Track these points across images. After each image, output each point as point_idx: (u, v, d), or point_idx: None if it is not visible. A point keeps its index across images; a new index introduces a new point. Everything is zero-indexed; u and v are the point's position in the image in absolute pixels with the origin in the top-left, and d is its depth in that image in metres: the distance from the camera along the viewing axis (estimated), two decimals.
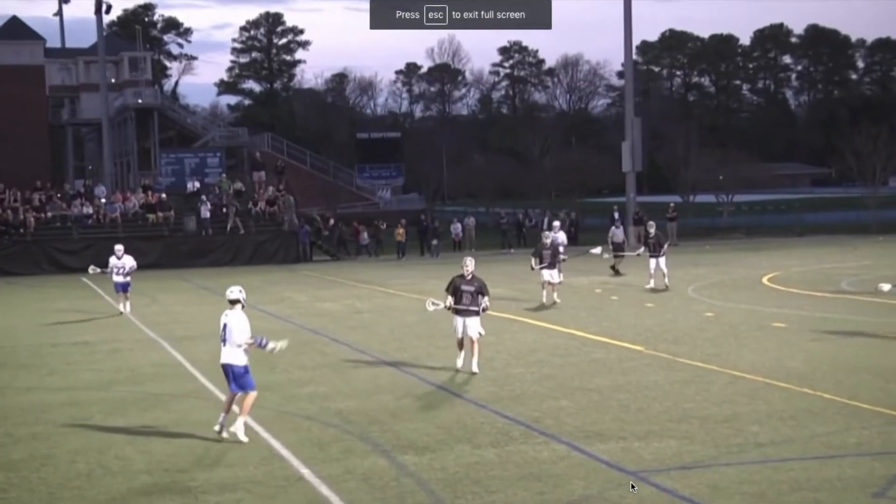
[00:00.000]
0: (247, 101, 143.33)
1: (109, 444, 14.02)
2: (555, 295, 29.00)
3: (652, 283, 32.83)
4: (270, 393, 17.20)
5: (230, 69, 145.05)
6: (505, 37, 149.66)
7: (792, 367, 18.31)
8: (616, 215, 53.47)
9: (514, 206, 74.53)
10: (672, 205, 61.81)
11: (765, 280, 33.53)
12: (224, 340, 14.18)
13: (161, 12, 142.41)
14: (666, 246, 33.46)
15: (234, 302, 14.37)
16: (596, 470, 12.13)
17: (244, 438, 13.83)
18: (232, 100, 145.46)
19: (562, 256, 30.45)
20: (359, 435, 14.09)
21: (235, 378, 14.11)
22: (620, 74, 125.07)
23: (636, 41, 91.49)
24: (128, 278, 29.99)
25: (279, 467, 12.61)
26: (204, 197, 55.34)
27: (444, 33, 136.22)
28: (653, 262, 32.76)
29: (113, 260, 30.19)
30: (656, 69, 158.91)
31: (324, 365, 20.35)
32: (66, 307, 32.93)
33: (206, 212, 53.65)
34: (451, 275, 19.70)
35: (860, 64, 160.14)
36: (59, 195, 54.91)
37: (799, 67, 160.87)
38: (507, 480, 11.78)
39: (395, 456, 12.97)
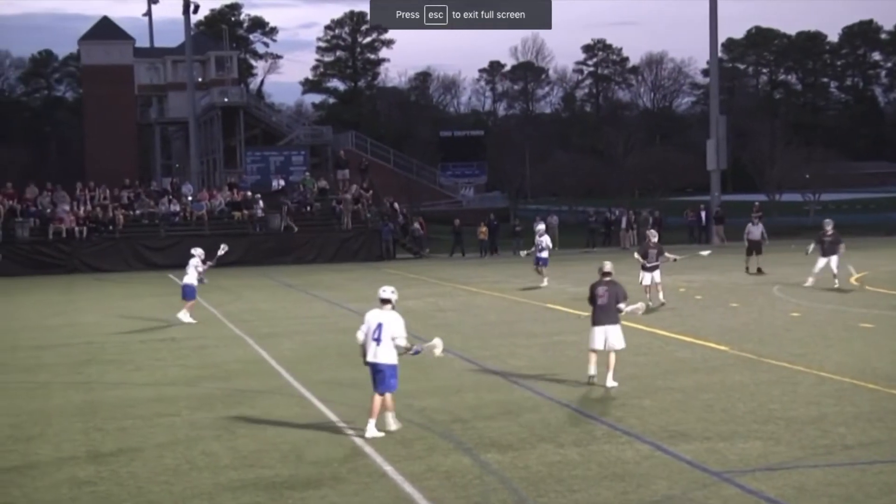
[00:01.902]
0: (331, 100, 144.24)
1: (196, 439, 14.24)
2: (660, 296, 28.27)
3: (811, 282, 31.88)
4: (354, 391, 17.32)
5: (315, 68, 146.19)
6: (589, 34, 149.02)
7: (879, 368, 18.02)
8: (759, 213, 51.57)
9: (596, 204, 74.17)
10: (757, 203, 61.03)
11: (852, 280, 32.99)
12: (377, 340, 14.07)
13: (247, 12, 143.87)
14: (842, 246, 32.21)
15: (385, 301, 14.46)
16: (680, 470, 12.06)
17: (398, 426, 14.16)
18: (316, 98, 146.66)
19: (671, 257, 29.93)
20: (441, 433, 14.14)
21: (384, 378, 14.02)
22: (705, 72, 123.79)
23: (721, 38, 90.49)
24: (193, 280, 27.71)
25: (363, 464, 12.71)
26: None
27: (528, 31, 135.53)
28: (822, 260, 31.82)
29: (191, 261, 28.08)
30: (741, 67, 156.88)
31: (407, 362, 20.30)
32: (153, 303, 33.46)
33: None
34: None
35: None
36: (146, 193, 55.83)
37: (889, 64, 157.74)
38: (590, 480, 11.76)
39: (478, 454, 13.00)
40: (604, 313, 17.33)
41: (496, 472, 12.20)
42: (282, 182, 59.94)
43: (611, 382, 16.99)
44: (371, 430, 13.93)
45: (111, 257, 49.97)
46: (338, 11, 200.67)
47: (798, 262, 36.87)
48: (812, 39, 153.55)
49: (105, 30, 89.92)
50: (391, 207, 57.11)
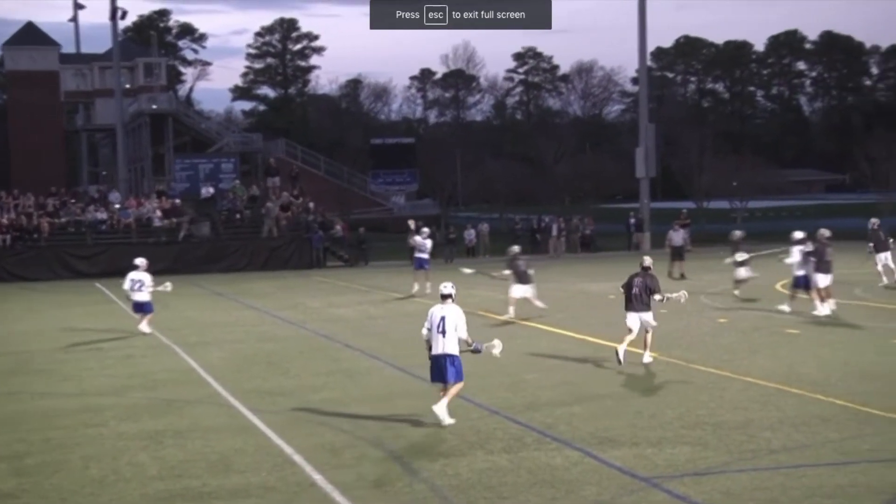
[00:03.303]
0: (261, 107, 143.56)
1: (122, 450, 14.06)
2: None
3: (885, 280, 33.20)
4: (283, 398, 17.27)
5: (245, 74, 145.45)
6: (519, 42, 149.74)
7: (805, 373, 18.28)
8: (685, 220, 51.91)
9: (527, 211, 74.50)
10: (684, 211, 61.70)
11: (778, 286, 33.45)
12: (443, 332, 14.74)
13: (176, 18, 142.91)
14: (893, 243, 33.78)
15: (446, 297, 15.14)
16: (609, 476, 12.13)
17: (449, 420, 14.67)
18: (247, 105, 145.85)
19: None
20: (372, 441, 14.10)
21: (450, 370, 14.71)
22: (635, 80, 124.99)
23: (650, 47, 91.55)
24: (148, 296, 26.82)
25: (291, 473, 12.63)
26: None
27: (458, 39, 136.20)
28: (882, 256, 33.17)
29: (132, 274, 26.90)
30: (670, 75, 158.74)
31: (337, 370, 20.38)
32: (80, 312, 33.03)
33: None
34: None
35: (874, 70, 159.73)
36: (73, 200, 55.08)
37: (813, 73, 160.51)
38: (520, 486, 11.79)
39: (408, 462, 12.98)
40: (637, 301, 19.80)
41: (426, 479, 12.18)
42: (211, 190, 59.42)
43: (647, 358, 19.53)
44: (445, 416, 14.66)
45: (37, 266, 49.18)
46: (268, 18, 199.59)
47: (725, 268, 37.31)
48: (739, 49, 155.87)
49: (30, 35, 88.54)
50: (321, 216, 56.80)
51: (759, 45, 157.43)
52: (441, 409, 14.76)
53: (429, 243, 36.48)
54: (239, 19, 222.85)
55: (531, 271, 27.62)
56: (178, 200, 55.81)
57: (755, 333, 23.84)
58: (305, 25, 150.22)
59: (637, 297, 19.78)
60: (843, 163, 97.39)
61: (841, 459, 12.54)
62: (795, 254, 26.94)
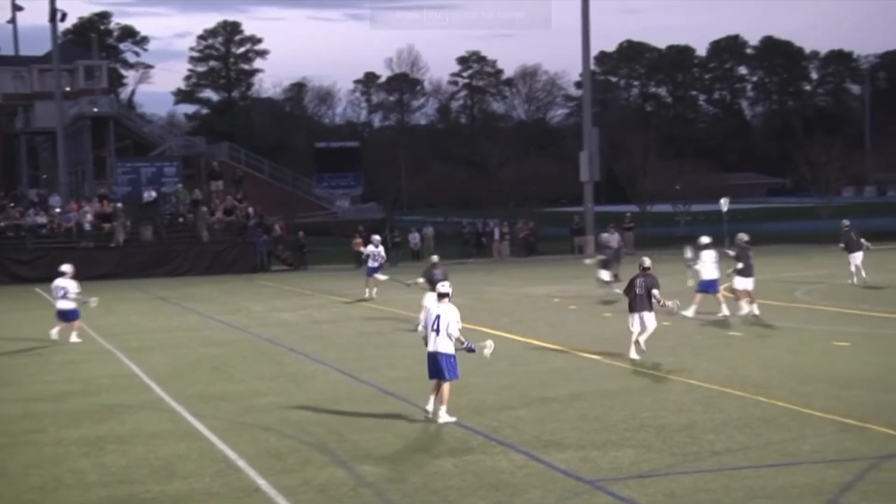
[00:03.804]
0: (204, 111, 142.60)
1: (63, 456, 13.89)
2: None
3: (855, 280, 34.05)
4: (227, 403, 17.15)
5: (188, 78, 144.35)
6: (463, 47, 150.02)
7: (747, 375, 18.45)
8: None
9: (472, 215, 74.59)
10: (629, 214, 62.09)
11: (721, 289, 33.69)
12: (436, 330, 15.05)
13: (117, 21, 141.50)
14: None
15: (443, 295, 15.48)
16: (554, 479, 12.15)
17: (453, 419, 15.03)
18: (189, 109, 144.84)
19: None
20: (316, 445, 14.03)
21: (443, 367, 15.01)
22: (578, 84, 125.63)
23: (594, 52, 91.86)
24: (73, 304, 25.83)
25: (235, 478, 12.53)
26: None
27: (402, 42, 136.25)
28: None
29: (58, 281, 25.94)
30: (614, 79, 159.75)
31: (281, 375, 20.27)
32: (20, 318, 32.60)
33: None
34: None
35: (814, 75, 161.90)
36: (12, 204, 54.33)
37: (754, 78, 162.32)
38: (465, 490, 11.78)
39: (353, 466, 12.93)
40: (639, 302, 20.47)
41: (371, 484, 12.14)
42: (153, 193, 58.86)
43: (633, 355, 20.35)
44: (444, 416, 15.05)
45: None
46: (211, 21, 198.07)
47: (666, 272, 37.57)
48: (682, 53, 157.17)
49: None
50: (258, 218, 56.39)
51: (702, 50, 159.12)
52: (441, 413, 15.13)
53: (381, 251, 36.30)
54: (182, 22, 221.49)
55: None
56: (119, 204, 55.24)
57: (698, 336, 24.04)
58: (249, 28, 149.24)
59: (640, 297, 20.50)
60: (783, 166, 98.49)
61: (783, 460, 12.66)
62: (703, 258, 27.19)
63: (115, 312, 33.49)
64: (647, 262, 21.20)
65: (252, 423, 15.60)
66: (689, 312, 26.23)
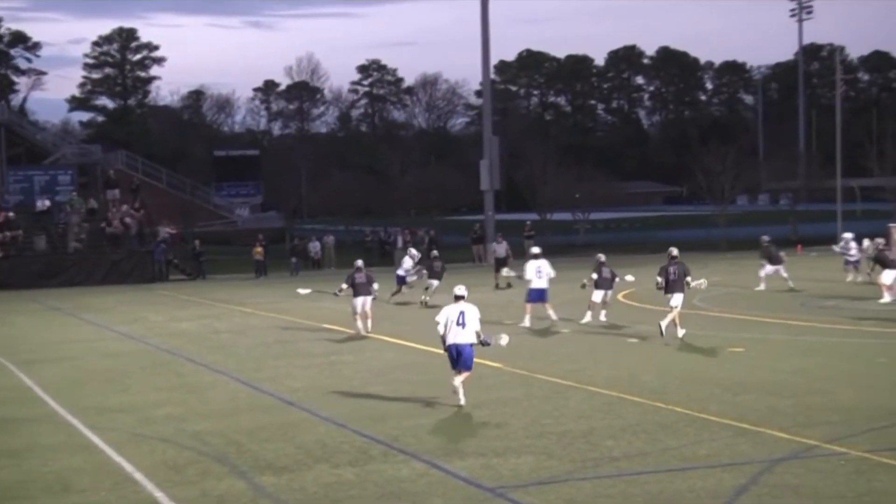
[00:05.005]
0: (100, 118, 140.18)
1: None
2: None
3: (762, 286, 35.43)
4: (124, 415, 16.88)
5: (82, 85, 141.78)
6: (364, 55, 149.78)
7: (645, 381, 18.68)
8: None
9: (373, 223, 74.52)
10: (529, 223, 62.52)
11: (620, 296, 34.13)
12: (462, 324, 16.75)
13: (8, 26, 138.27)
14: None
15: (460, 297, 17.11)
16: (455, 487, 12.16)
17: (464, 401, 16.58)
18: (84, 116, 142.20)
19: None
20: (215, 456, 13.86)
21: (466, 357, 16.69)
22: (479, 93, 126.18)
23: (494, 61, 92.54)
24: None
25: (132, 491, 12.33)
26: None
27: (302, 50, 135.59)
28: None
29: None
30: (514, 88, 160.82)
31: (180, 386, 20.01)
32: None
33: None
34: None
35: (709, 85, 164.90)
36: None
37: (651, 88, 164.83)
38: (366, 500, 11.73)
39: (253, 477, 12.80)
40: (676, 284, 23.99)
41: (271, 494, 12.03)
42: (47, 202, 57.70)
43: (681, 332, 23.75)
44: (463, 398, 16.61)
45: None
46: (107, 27, 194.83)
47: (564, 279, 37.92)
48: (580, 63, 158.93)
49: None
50: (138, 224, 55.58)
51: (600, 60, 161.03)
52: (460, 394, 16.70)
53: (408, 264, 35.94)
54: (76, 28, 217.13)
55: (375, 285, 27.43)
56: (11, 213, 54.04)
57: (598, 343, 24.30)
58: (146, 35, 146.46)
59: (676, 281, 23.99)
60: (680, 175, 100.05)
61: (680, 465, 12.83)
62: (528, 269, 27.60)
63: (6, 324, 32.78)
64: (674, 251, 24.56)
65: (149, 434, 15.36)
66: (502, 341, 26.33)
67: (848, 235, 38.69)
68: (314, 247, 60.37)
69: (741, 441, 13.97)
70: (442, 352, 17.29)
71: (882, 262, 31.33)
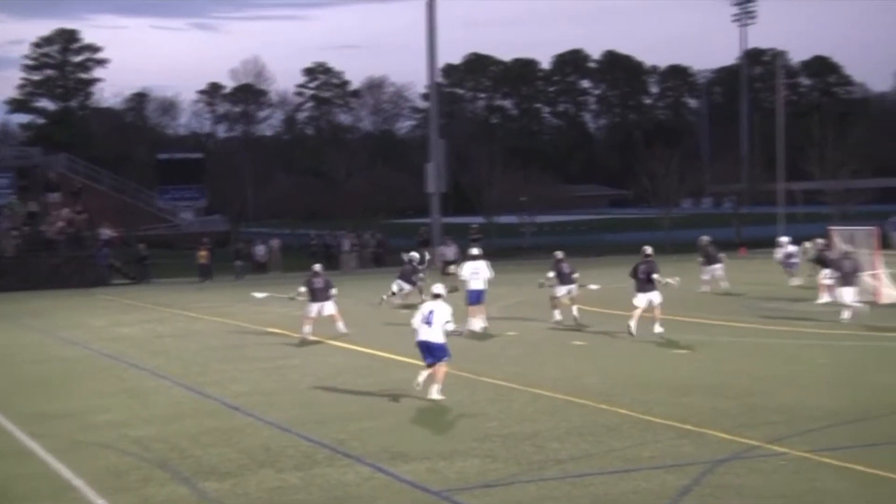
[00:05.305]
0: (40, 120, 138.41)
1: None
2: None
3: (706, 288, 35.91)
4: (64, 421, 16.68)
5: (22, 86, 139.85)
6: (309, 58, 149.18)
7: (590, 384, 18.75)
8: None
9: (319, 227, 74.24)
10: (475, 226, 62.56)
11: (565, 299, 34.17)
12: (429, 322, 17.40)
13: None
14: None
15: (437, 296, 17.90)
16: (400, 491, 12.13)
17: (442, 397, 17.20)
18: (24, 118, 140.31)
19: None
20: (158, 462, 13.73)
21: (433, 352, 17.40)
22: (425, 97, 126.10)
23: (440, 64, 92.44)
24: None
25: (73, 499, 12.19)
26: None
27: (248, 53, 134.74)
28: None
29: None
30: (460, 92, 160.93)
31: (122, 391, 19.80)
32: None
33: None
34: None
35: (654, 89, 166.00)
36: None
37: (597, 92, 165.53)
38: None
39: (197, 483, 12.70)
40: (647, 283, 24.71)
41: (214, 500, 11.94)
42: None
43: (658, 329, 24.65)
44: (436, 394, 17.28)
45: None
46: (47, 28, 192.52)
47: (511, 282, 38.00)
48: (526, 66, 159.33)
49: None
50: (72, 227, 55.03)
51: (546, 64, 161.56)
52: (433, 391, 17.35)
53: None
54: (16, 29, 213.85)
55: (333, 290, 27.18)
56: None
57: (543, 346, 24.36)
58: (88, 37, 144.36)
59: (641, 280, 24.84)
60: (625, 178, 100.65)
61: (624, 467, 12.89)
62: (465, 271, 27.59)
63: None
64: (648, 249, 25.53)
65: (90, 441, 15.19)
66: (475, 327, 26.35)
67: (784, 239, 38.96)
68: (259, 250, 59.99)
69: (685, 442, 14.06)
70: (384, 355, 17.30)
71: (822, 262, 31.64)
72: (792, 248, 37.93)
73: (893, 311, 28.67)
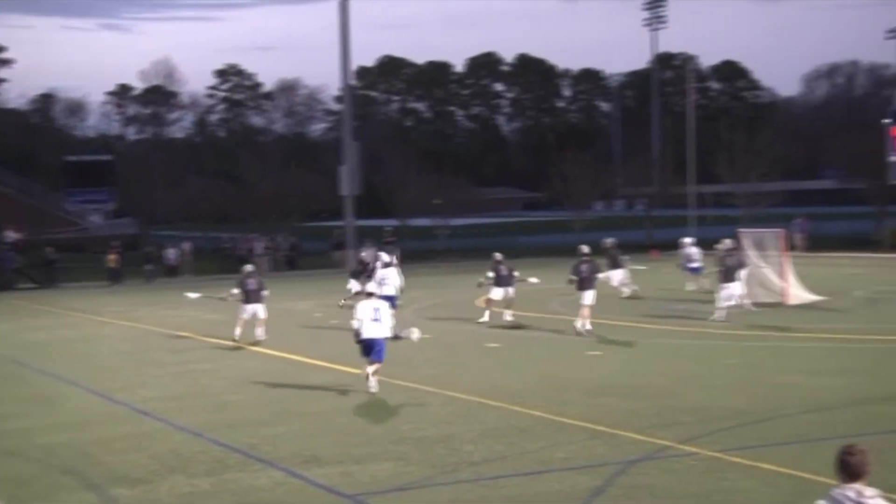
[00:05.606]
0: None
1: None
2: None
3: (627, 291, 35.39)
4: None
5: None
6: (221, 59, 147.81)
7: (505, 386, 18.81)
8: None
9: (231, 230, 73.60)
10: (388, 229, 62.48)
11: (478, 302, 34.31)
12: (377, 320, 18.15)
13: None
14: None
15: (372, 294, 19.25)
16: (313, 495, 12.06)
17: (377, 389, 17.99)
18: None
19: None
20: (66, 469, 13.49)
21: (378, 349, 18.17)
22: (338, 99, 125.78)
23: (354, 66, 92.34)
24: None
25: None
26: None
27: (158, 54, 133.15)
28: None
29: None
30: (374, 94, 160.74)
31: (28, 397, 19.42)
32: None
33: None
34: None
35: (567, 93, 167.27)
36: None
37: (510, 95, 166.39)
38: None
39: (106, 489, 12.50)
40: (588, 281, 25.59)
41: None
42: None
43: (588, 326, 25.39)
44: (375, 386, 18.09)
45: None
46: None
47: (425, 284, 38.02)
48: (440, 69, 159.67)
49: None
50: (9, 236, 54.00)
51: (460, 66, 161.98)
52: (372, 382, 18.15)
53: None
54: None
55: (265, 292, 26.76)
56: None
57: (459, 348, 24.38)
58: None
59: (587, 278, 25.57)
60: (539, 181, 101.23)
61: (538, 468, 12.94)
62: (375, 278, 27.45)
63: None
64: (585, 248, 26.69)
65: None
66: (413, 335, 26.33)
67: (688, 240, 37.90)
68: (170, 254, 59.26)
69: (597, 443, 14.17)
70: (298, 359, 17.14)
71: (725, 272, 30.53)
72: (693, 250, 37.05)
73: (800, 312, 29.19)
